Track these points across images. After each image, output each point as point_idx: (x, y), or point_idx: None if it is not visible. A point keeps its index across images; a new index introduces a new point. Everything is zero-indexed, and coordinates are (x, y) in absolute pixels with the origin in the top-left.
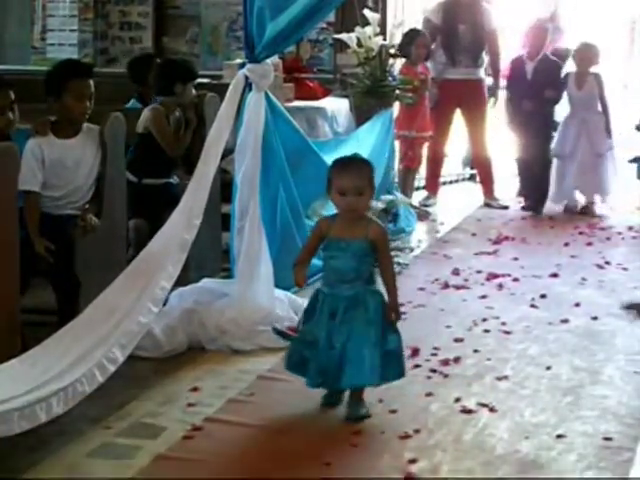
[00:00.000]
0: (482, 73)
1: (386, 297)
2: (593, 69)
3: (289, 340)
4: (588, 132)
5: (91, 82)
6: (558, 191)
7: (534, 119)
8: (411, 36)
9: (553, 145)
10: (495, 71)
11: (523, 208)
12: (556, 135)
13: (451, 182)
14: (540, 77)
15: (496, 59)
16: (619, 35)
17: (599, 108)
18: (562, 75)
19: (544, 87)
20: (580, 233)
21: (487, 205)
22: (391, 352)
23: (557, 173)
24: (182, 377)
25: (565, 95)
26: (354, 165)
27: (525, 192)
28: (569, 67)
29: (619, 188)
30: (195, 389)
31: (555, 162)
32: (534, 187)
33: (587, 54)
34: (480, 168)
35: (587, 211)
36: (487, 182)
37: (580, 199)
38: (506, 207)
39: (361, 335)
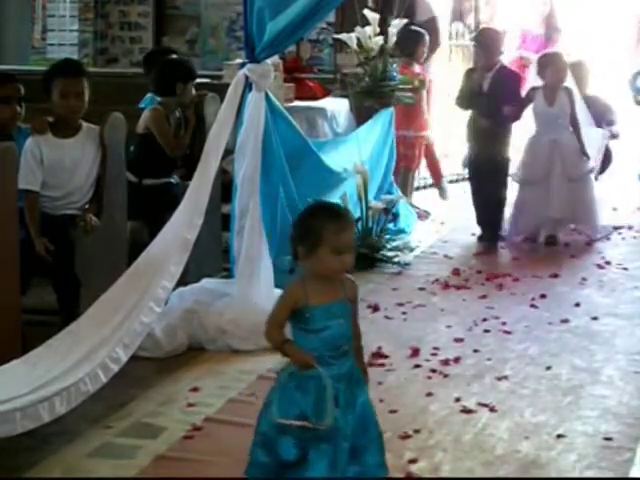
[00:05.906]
0: None
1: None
2: (565, 83)
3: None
4: (561, 154)
5: (82, 80)
6: (522, 222)
7: (490, 138)
8: (415, 36)
9: (516, 170)
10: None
11: (480, 238)
12: (521, 158)
13: (451, 182)
14: (496, 90)
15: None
16: (624, 33)
17: (570, 128)
18: (525, 88)
19: (501, 102)
20: (580, 233)
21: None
22: None
23: (522, 201)
24: (182, 377)
25: (531, 112)
26: (346, 216)
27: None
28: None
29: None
30: (195, 389)
31: (520, 189)
32: (489, 219)
33: (560, 66)
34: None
35: (552, 240)
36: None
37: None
38: None
39: (369, 415)
